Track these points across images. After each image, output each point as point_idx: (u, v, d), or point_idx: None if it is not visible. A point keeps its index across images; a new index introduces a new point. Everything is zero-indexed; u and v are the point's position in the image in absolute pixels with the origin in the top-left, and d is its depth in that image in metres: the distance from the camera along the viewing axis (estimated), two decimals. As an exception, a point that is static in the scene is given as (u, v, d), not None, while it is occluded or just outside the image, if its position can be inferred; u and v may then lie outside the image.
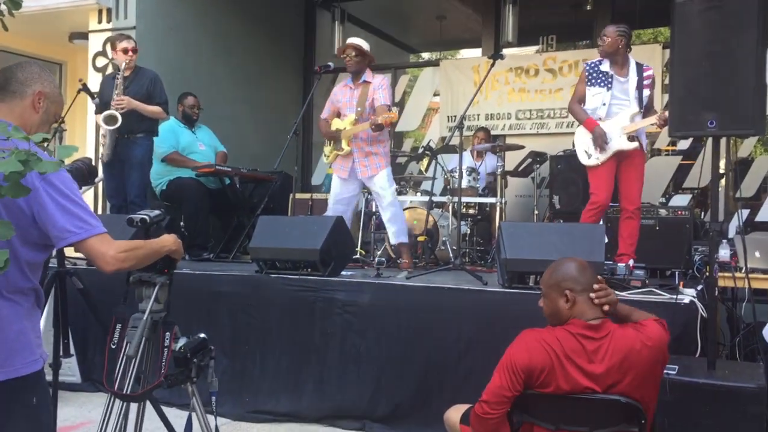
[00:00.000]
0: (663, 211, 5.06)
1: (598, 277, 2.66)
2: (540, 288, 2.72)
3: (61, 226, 1.98)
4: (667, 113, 4.46)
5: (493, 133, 7.83)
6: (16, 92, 2.12)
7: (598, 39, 5.08)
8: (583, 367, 2.42)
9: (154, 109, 5.79)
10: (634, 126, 4.80)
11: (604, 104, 4.88)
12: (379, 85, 5.31)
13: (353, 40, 5.40)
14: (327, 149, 5.53)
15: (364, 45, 5.38)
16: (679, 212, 5.06)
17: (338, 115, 5.52)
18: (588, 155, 4.94)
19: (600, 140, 4.81)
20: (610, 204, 5.02)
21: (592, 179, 4.94)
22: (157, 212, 2.66)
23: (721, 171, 6.38)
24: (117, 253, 2.08)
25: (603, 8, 8.18)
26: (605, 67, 4.93)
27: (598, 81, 4.92)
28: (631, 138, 4.81)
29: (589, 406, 2.44)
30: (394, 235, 5.46)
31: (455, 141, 5.52)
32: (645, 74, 4.92)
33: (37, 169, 1.47)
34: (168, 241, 2.44)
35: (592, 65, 5.01)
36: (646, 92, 4.89)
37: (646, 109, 4.93)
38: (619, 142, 4.82)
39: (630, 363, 2.41)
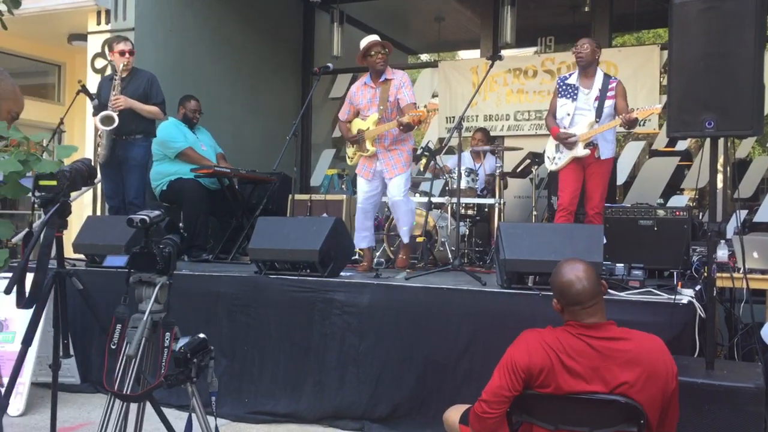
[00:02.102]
0: (661, 212, 5.06)
1: (603, 281, 2.68)
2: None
3: None
4: (633, 114, 5.09)
5: (491, 134, 7.83)
6: None
7: (575, 49, 5.44)
8: (584, 368, 2.43)
9: (151, 108, 5.79)
10: (589, 133, 5.23)
11: (569, 114, 5.37)
12: (401, 82, 5.22)
13: (376, 38, 5.27)
14: (350, 150, 5.49)
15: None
16: (678, 213, 5.07)
17: (357, 114, 5.45)
18: (550, 160, 5.50)
19: (565, 140, 5.27)
20: (607, 205, 5.28)
21: (559, 182, 5.49)
22: (156, 213, 2.66)
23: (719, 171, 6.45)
24: None
25: (601, 10, 8.20)
26: (572, 80, 5.43)
27: (566, 93, 5.43)
28: (586, 145, 5.24)
29: (589, 407, 2.45)
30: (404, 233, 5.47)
31: (454, 142, 5.51)
32: (610, 86, 5.32)
33: (37, 169, 1.48)
34: None
35: (562, 78, 5.55)
36: (608, 102, 5.30)
37: (611, 117, 5.31)
38: (574, 149, 5.28)
39: (637, 363, 2.42)
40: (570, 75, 5.49)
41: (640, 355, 2.44)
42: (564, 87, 5.43)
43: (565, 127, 5.34)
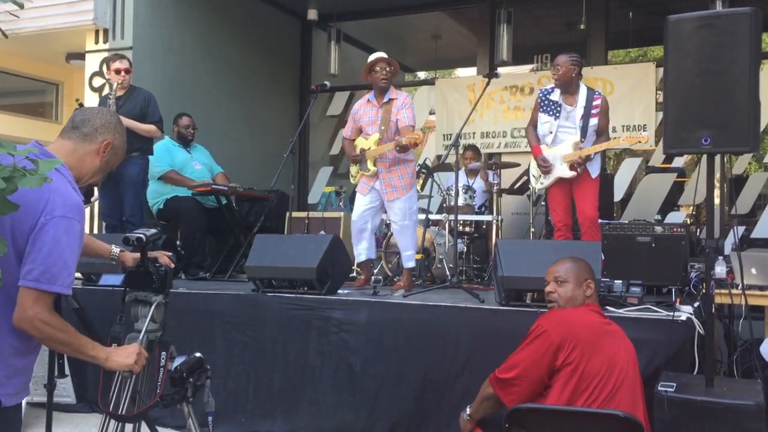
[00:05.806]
0: (659, 228, 5.05)
1: None
2: (548, 281, 3.02)
3: (29, 267, 1.92)
4: (585, 151, 4.99)
5: (488, 150, 7.86)
6: (88, 135, 2.18)
7: (552, 68, 5.30)
8: (599, 345, 2.64)
9: (147, 127, 5.79)
10: (572, 155, 5.06)
11: (551, 132, 5.18)
12: (402, 104, 5.16)
13: (383, 54, 5.24)
14: (353, 169, 5.43)
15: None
16: (675, 229, 5.06)
17: (360, 131, 5.40)
18: (535, 179, 5.35)
19: (542, 166, 5.17)
20: (605, 221, 5.23)
21: (548, 201, 5.38)
22: (153, 231, 2.64)
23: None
24: (36, 316, 1.92)
25: (596, 27, 8.25)
26: (555, 96, 5.21)
27: (548, 109, 5.21)
28: (571, 166, 5.06)
29: (587, 421, 2.43)
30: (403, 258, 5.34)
31: (451, 159, 5.52)
32: (594, 103, 5.13)
33: (22, 185, 1.46)
34: (107, 356, 2.18)
35: (544, 92, 5.30)
36: (593, 120, 5.11)
37: (597, 135, 5.15)
38: (559, 170, 5.14)
39: (626, 357, 2.60)
40: (552, 89, 5.25)
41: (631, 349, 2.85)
42: (546, 102, 5.22)
43: (547, 144, 5.18)
